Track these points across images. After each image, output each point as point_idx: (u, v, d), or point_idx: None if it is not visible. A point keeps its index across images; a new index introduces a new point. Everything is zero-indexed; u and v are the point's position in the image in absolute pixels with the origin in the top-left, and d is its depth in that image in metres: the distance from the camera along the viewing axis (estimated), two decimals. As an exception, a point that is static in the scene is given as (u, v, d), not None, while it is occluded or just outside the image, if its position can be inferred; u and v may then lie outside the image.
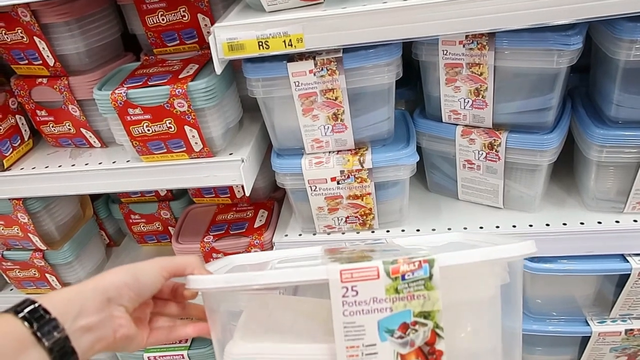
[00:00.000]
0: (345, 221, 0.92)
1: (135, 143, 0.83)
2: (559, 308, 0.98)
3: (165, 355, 1.23)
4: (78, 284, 0.53)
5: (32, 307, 0.48)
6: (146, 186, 0.88)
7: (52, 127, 0.97)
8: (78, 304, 0.50)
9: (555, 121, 0.82)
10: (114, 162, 0.90)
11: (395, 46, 0.75)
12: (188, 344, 1.24)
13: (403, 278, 0.50)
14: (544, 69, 0.74)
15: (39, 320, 0.47)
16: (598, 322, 0.96)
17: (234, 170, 0.84)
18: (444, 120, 0.88)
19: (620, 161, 0.80)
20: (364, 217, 0.91)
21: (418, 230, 0.92)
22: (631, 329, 0.94)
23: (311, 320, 0.60)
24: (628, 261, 0.85)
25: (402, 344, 0.52)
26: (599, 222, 0.86)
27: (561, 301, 0.97)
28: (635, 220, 0.85)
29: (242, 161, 0.83)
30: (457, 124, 0.87)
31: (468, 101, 0.82)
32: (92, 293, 0.51)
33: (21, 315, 0.46)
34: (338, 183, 0.86)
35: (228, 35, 0.71)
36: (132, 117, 0.80)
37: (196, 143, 0.83)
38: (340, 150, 0.85)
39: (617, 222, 0.86)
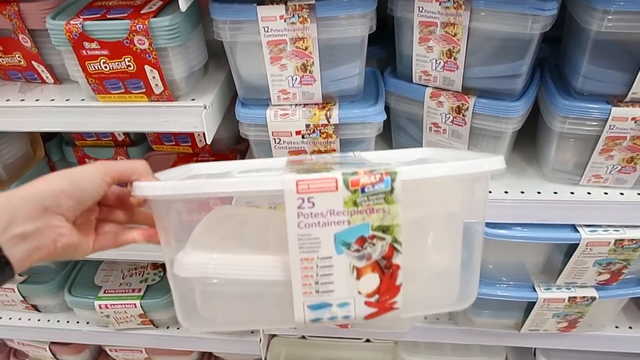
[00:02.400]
0: (308, 177, 0.90)
1: (91, 80, 0.79)
2: (509, 274, 1.01)
3: (117, 304, 1.22)
4: (6, 192, 0.48)
5: None
6: (101, 127, 0.84)
7: (1, 58, 0.90)
8: (8, 213, 0.47)
9: (523, 89, 0.82)
10: (67, 100, 0.85)
11: (370, -3, 0.72)
12: (141, 293, 1.23)
13: (363, 191, 0.48)
14: (517, 33, 0.73)
15: None
16: (544, 289, 1.00)
17: (196, 116, 0.80)
18: (414, 81, 0.87)
19: (581, 133, 0.81)
20: (327, 174, 0.90)
21: (380, 190, 0.92)
22: (574, 297, 0.98)
23: (271, 232, 0.57)
24: (578, 231, 0.88)
25: (359, 257, 0.51)
26: (555, 193, 0.88)
27: (512, 267, 1.00)
28: (589, 193, 0.88)
29: (205, 108, 0.80)
30: (427, 86, 0.86)
31: (440, 62, 0.81)
32: (24, 201, 0.48)
33: None
34: (303, 137, 0.84)
35: (195, -31, 0.67)
36: (88, 51, 0.75)
37: (157, 85, 0.78)
38: (307, 104, 0.83)
39: (572, 193, 0.88)
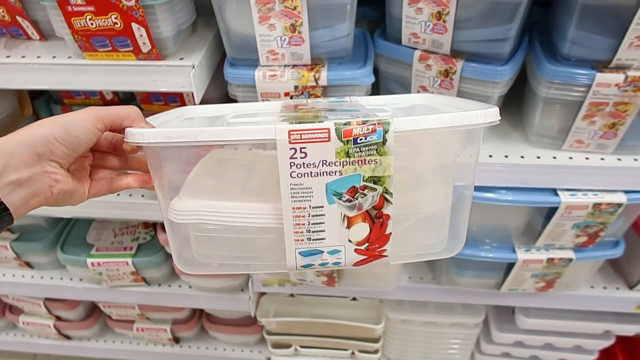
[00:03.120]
0: (296, 138, 0.91)
1: (77, 37, 0.78)
2: (491, 235, 1.04)
3: (109, 262, 1.24)
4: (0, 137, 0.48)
5: None
6: (88, 86, 0.83)
7: (-16, 12, 0.88)
8: (3, 159, 0.47)
9: (511, 53, 0.82)
10: (54, 57, 0.84)
11: (360, -44, 0.71)
12: (133, 251, 1.25)
13: (355, 142, 0.48)
14: (507, -3, 0.73)
15: None
16: (524, 251, 1.03)
17: (184, 76, 0.80)
18: (403, 43, 0.86)
19: (566, 98, 0.82)
20: (315, 135, 0.91)
21: (367, 152, 0.93)
22: (552, 258, 1.02)
23: (265, 179, 0.58)
24: (558, 195, 0.90)
25: (350, 207, 0.52)
26: (538, 157, 0.90)
27: (494, 229, 1.03)
28: (570, 157, 0.90)
29: (193, 67, 0.80)
30: (415, 48, 0.86)
31: (429, 24, 0.81)
32: (17, 147, 0.48)
33: None
34: (291, 98, 0.84)
35: None
36: (73, 7, 0.74)
37: (144, 43, 0.78)
38: (296, 65, 0.83)
39: (554, 158, 0.90)
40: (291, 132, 0.48)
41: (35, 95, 1.12)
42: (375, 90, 0.92)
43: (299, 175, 0.49)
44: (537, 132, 0.91)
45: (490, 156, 0.91)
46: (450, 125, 0.49)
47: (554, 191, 0.92)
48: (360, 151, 0.49)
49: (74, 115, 0.52)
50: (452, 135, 0.55)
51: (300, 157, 0.49)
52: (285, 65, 0.83)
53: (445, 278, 1.17)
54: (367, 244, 0.54)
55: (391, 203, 0.52)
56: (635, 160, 0.88)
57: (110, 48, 0.79)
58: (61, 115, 0.51)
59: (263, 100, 0.85)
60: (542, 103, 0.86)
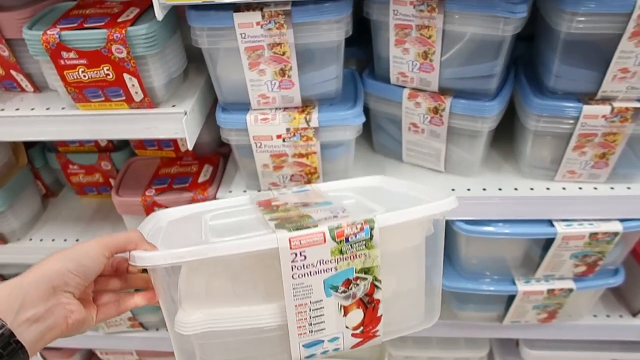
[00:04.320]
0: (290, 179, 0.92)
1: (70, 89, 0.79)
2: (490, 268, 1.03)
3: (105, 308, 1.22)
4: (15, 277, 0.51)
5: None
6: (82, 135, 0.84)
7: (-21, 67, 0.90)
8: (19, 297, 0.49)
9: (498, 89, 0.84)
10: (47, 109, 0.85)
11: (345, 3, 0.73)
12: (129, 297, 1.23)
13: (347, 240, 0.55)
14: (490, 35, 0.75)
15: None
16: (524, 282, 1.02)
17: (177, 122, 0.81)
18: (392, 82, 0.88)
19: (554, 131, 0.83)
20: (309, 175, 0.91)
21: (361, 190, 0.93)
22: (552, 289, 1.01)
23: (250, 279, 0.61)
24: (554, 226, 0.90)
25: (345, 298, 0.57)
26: (531, 189, 0.91)
27: (492, 262, 1.02)
28: (564, 188, 0.90)
29: (185, 114, 0.81)
30: (404, 87, 0.87)
31: (416, 64, 0.82)
32: (34, 284, 0.50)
33: None
34: (284, 140, 0.85)
35: (170, -22, 0.67)
36: (66, 61, 0.75)
37: (136, 92, 0.79)
38: (287, 108, 0.84)
39: (547, 189, 0.90)
40: (292, 239, 0.53)
41: (30, 144, 1.13)
42: (367, 127, 0.93)
43: (300, 276, 0.55)
44: (529, 163, 0.92)
45: (484, 189, 0.91)
46: (421, 216, 0.58)
47: (550, 222, 0.92)
48: (352, 247, 0.55)
49: (83, 247, 0.55)
50: (421, 222, 0.62)
51: (301, 260, 0.54)
52: (276, 108, 0.84)
53: (446, 312, 1.16)
54: (362, 328, 0.60)
55: (380, 288, 0.58)
56: (629, 188, 0.88)
57: (103, 98, 0.80)
58: (71, 249, 0.55)
59: (256, 143, 0.85)
60: (532, 136, 0.87)
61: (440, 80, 0.83)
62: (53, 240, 1.11)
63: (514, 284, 1.02)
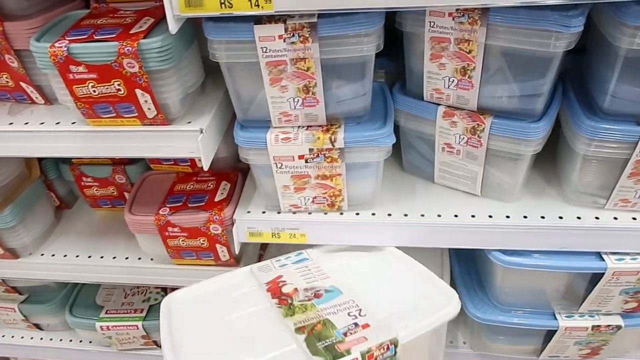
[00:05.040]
0: (313, 201, 0.85)
1: (80, 104, 0.74)
2: (527, 300, 0.95)
3: (118, 325, 1.18)
4: None
5: None
6: (92, 153, 0.79)
7: (-11, 78, 0.86)
8: None
9: (544, 108, 0.75)
10: (57, 123, 0.81)
11: (377, 14, 0.66)
12: (143, 314, 1.19)
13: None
14: (539, 51, 0.67)
15: None
16: (566, 317, 0.94)
17: (192, 141, 0.75)
18: (425, 99, 0.81)
19: (608, 156, 0.75)
20: (333, 198, 0.84)
21: (390, 214, 0.86)
22: (598, 325, 0.92)
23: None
24: (604, 259, 0.81)
25: None
26: (578, 218, 0.82)
27: (530, 293, 0.94)
28: (615, 218, 0.81)
29: (201, 132, 0.75)
30: (439, 104, 0.80)
31: (453, 80, 0.75)
32: None
33: None
34: (306, 162, 0.78)
35: (185, -13, 0.61)
36: (75, 75, 0.70)
37: (149, 109, 0.74)
38: (311, 126, 0.78)
39: (596, 218, 0.82)
40: None
41: (44, 155, 1.09)
42: (397, 145, 0.86)
43: None
44: (575, 189, 0.83)
45: (525, 217, 0.83)
46: (435, 327, 0.69)
47: (599, 255, 0.83)
48: None
49: None
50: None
51: None
52: (299, 127, 0.78)
53: (477, 343, 1.07)
54: None
55: None
56: (689, 220, 0.79)
57: (114, 114, 0.75)
58: None
59: (276, 164, 0.79)
60: (580, 160, 0.78)
61: (480, 99, 0.75)
62: (65, 256, 1.06)
63: (555, 318, 0.94)
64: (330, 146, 0.76)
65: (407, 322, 0.69)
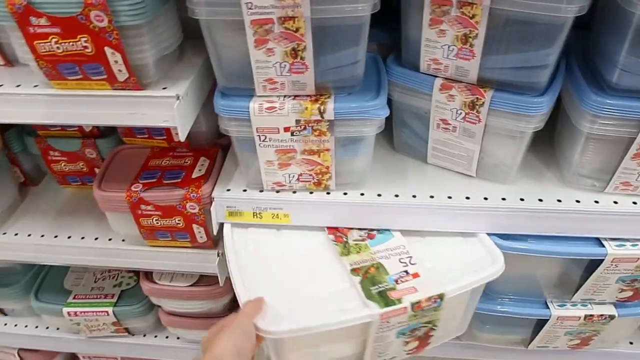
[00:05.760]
0: (298, 179, 0.79)
1: (42, 63, 0.66)
2: (520, 288, 0.91)
3: (87, 311, 1.11)
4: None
5: None
6: (55, 119, 0.72)
7: (-58, 35, 0.77)
8: None
9: (549, 82, 0.71)
10: (18, 86, 0.73)
11: (374, -30, 0.60)
12: (114, 299, 1.12)
13: (422, 309, 0.69)
14: (548, 16, 0.61)
15: None
16: (558, 306, 0.90)
17: (167, 108, 0.68)
18: (421, 70, 0.75)
19: (613, 135, 0.70)
20: (320, 175, 0.79)
21: (379, 195, 0.81)
22: (591, 315, 0.89)
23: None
24: (604, 246, 0.78)
25: (409, 338, 0.74)
26: (577, 201, 0.78)
27: (523, 281, 0.90)
28: (615, 202, 0.78)
29: (178, 98, 0.68)
30: (436, 76, 0.74)
31: (453, 49, 0.70)
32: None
33: None
34: (292, 134, 0.72)
35: None
36: (36, 28, 0.63)
37: (120, 70, 0.66)
38: (298, 95, 0.72)
39: (596, 202, 0.78)
40: (383, 315, 0.67)
41: (7, 125, 1.01)
42: (389, 123, 0.80)
43: (381, 331, 0.70)
44: (575, 171, 0.79)
45: (522, 199, 0.79)
46: (483, 282, 0.74)
47: (598, 240, 0.79)
48: (424, 312, 0.70)
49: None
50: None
51: (385, 324, 0.69)
52: (285, 96, 0.72)
53: (465, 333, 1.03)
54: (415, 350, 0.79)
55: (436, 330, 0.75)
56: (692, 205, 0.76)
57: (81, 76, 0.68)
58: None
59: (259, 136, 0.73)
60: (583, 139, 0.74)
61: (481, 70, 0.70)
62: (29, 235, 0.99)
63: (547, 307, 0.90)
64: (319, 117, 0.70)
65: (453, 275, 0.73)
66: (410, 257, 0.76)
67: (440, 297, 0.69)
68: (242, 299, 0.69)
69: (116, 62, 0.65)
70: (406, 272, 0.73)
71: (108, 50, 0.64)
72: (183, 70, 0.75)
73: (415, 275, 0.72)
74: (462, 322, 0.84)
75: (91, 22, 0.61)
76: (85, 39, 0.63)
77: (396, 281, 0.71)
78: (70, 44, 0.64)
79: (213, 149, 0.92)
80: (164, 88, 0.70)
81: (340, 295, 0.71)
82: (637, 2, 0.59)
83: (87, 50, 0.64)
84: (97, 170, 1.01)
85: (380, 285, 0.70)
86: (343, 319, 0.66)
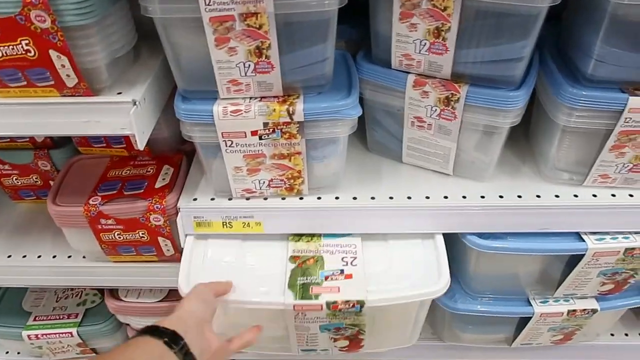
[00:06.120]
0: (269, 185, 0.75)
1: (-20, 70, 0.60)
2: (501, 286, 0.89)
3: (50, 333, 1.04)
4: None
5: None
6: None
7: None
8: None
9: (524, 76, 0.68)
10: (-46, 95, 0.66)
11: (340, -40, 0.56)
12: (78, 319, 1.05)
13: (340, 311, 0.71)
14: (522, 7, 0.59)
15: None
16: (540, 302, 0.89)
17: (123, 115, 0.63)
18: (393, 67, 0.72)
19: (590, 127, 0.69)
20: (292, 180, 0.75)
21: (355, 198, 0.77)
22: (573, 310, 0.87)
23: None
24: (584, 240, 0.76)
25: (335, 335, 0.77)
26: (557, 196, 0.76)
27: (505, 279, 0.88)
28: (594, 195, 0.76)
29: (134, 104, 0.63)
30: (409, 72, 0.71)
31: (425, 43, 0.66)
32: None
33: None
34: (260, 138, 0.68)
35: None
36: (-31, 32, 0.57)
37: (68, 75, 0.61)
38: (265, 97, 0.67)
39: (575, 196, 0.76)
40: (295, 306, 0.70)
41: (-50, 139, 0.93)
42: (361, 123, 0.77)
43: (301, 321, 0.73)
44: (553, 165, 0.77)
45: (501, 197, 0.77)
46: (413, 300, 0.73)
47: (578, 235, 0.77)
48: (343, 314, 0.71)
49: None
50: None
51: (302, 315, 0.72)
52: (251, 98, 0.67)
53: (448, 334, 1.01)
54: (347, 348, 0.81)
55: (365, 333, 0.77)
56: (670, 195, 0.75)
57: (25, 83, 0.62)
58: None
59: (225, 142, 0.68)
60: (559, 132, 0.72)
61: (455, 65, 0.67)
62: (-21, 256, 0.91)
63: (530, 304, 0.88)
64: (288, 119, 0.66)
65: (393, 286, 0.72)
66: (355, 257, 0.75)
67: (360, 303, 0.69)
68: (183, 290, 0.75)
69: (63, 66, 0.60)
70: (341, 271, 0.73)
71: (53, 54, 0.59)
72: (139, 73, 0.70)
73: (348, 277, 0.72)
74: (413, 333, 0.85)
75: (32, 23, 0.56)
76: (26, 41, 0.57)
77: (326, 278, 0.72)
78: (10, 47, 0.58)
79: (177, 156, 0.87)
80: (119, 93, 0.65)
81: (272, 279, 0.73)
82: (612, -10, 0.57)
83: (29, 54, 0.59)
84: (52, 183, 0.94)
85: (308, 278, 0.72)
86: (257, 300, 0.70)
